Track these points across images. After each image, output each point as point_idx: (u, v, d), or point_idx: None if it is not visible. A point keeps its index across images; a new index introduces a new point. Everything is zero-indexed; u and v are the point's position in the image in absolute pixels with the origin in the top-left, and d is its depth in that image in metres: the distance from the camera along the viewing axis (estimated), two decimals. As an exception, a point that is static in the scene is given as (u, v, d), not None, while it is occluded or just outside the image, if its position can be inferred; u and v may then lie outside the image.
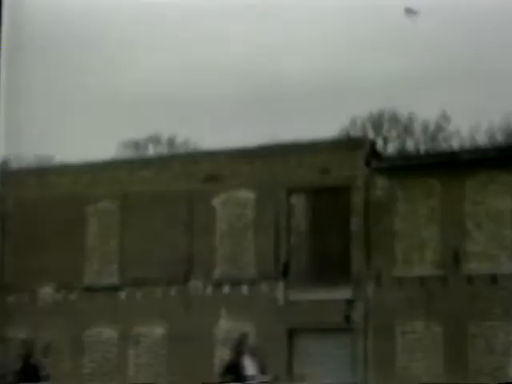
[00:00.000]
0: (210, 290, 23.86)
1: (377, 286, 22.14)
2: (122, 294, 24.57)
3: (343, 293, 22.31)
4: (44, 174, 26.20)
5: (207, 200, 24.23)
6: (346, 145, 24.02)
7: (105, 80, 52.72)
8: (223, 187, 24.18)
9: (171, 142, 43.38)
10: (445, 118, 40.12)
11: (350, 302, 22.29)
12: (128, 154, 40.58)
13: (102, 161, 26.15)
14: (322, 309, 22.27)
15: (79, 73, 49.48)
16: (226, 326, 23.50)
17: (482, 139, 39.01)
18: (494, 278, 20.96)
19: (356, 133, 38.88)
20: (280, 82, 49.32)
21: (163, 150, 42.16)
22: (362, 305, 22.24)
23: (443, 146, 39.37)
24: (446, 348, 21.15)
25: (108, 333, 24.47)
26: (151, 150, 42.88)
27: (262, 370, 11.40)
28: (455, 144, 39.15)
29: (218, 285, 23.75)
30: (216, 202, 24.26)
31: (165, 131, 42.86)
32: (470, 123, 39.51)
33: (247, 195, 23.99)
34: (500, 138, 38.61)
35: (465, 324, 20.95)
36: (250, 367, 10.94)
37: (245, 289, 23.55)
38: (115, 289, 24.61)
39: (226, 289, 23.71)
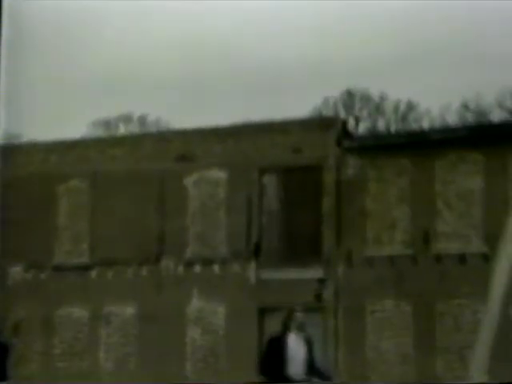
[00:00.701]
0: (181, 269, 23.82)
1: (347, 266, 22.22)
2: (93, 274, 24.47)
3: (314, 272, 22.37)
4: (13, 152, 25.93)
5: (179, 179, 24.13)
6: (318, 124, 23.98)
7: (76, 58, 52.22)
8: (195, 167, 24.08)
9: (142, 120, 43.12)
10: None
11: (320, 282, 22.37)
12: (99, 133, 40.28)
13: (72, 139, 25.94)
14: (293, 288, 22.31)
15: (51, 51, 48.99)
16: (197, 305, 23.50)
17: (452, 119, 39.23)
18: (462, 258, 21.11)
19: (328, 112, 38.88)
20: (253, 62, 49.14)
21: (134, 129, 41.92)
22: (333, 284, 22.32)
23: (414, 125, 39.53)
24: (415, 326, 21.31)
25: (79, 312, 24.36)
26: (122, 129, 42.59)
27: (310, 350, 10.69)
28: (426, 124, 39.34)
29: (190, 264, 23.72)
30: (188, 181, 24.16)
31: (136, 110, 42.62)
32: (440, 103, 39.70)
33: (219, 175, 23.92)
34: (470, 118, 38.83)
35: (433, 303, 21.10)
36: (294, 348, 10.37)
37: (216, 268, 23.53)
38: (86, 268, 24.49)
39: (198, 268, 23.68)
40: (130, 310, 23.98)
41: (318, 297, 22.32)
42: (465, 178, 21.34)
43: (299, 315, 10.47)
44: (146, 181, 24.33)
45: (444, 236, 21.41)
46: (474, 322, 19.03)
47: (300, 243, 22.93)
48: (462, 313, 20.69)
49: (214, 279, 23.41)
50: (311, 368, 10.33)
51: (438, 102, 40.73)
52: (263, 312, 22.85)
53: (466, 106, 38.97)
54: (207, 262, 23.56)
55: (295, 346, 10.29)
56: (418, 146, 21.81)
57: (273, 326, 22.80)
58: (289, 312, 10.60)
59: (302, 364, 10.22)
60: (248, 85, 47.31)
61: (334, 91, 40.34)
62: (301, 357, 10.27)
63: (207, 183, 24.01)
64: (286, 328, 10.29)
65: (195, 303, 23.52)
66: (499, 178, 20.51)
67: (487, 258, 17.79)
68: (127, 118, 43.12)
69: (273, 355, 10.09)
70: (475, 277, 19.04)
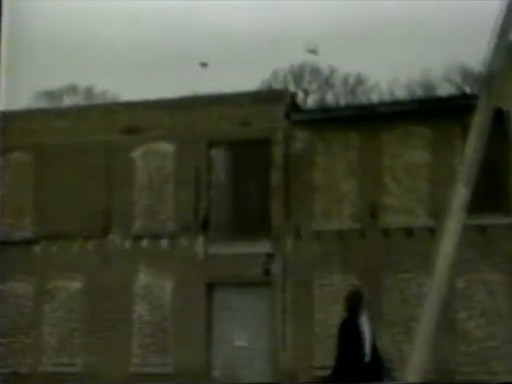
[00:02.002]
0: (128, 243, 23.61)
1: (296, 240, 22.20)
2: (37, 248, 24.08)
3: (263, 246, 22.33)
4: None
5: (126, 152, 23.86)
6: (267, 97, 23.87)
7: (21, 27, 51.13)
8: (142, 139, 23.82)
9: (88, 92, 42.44)
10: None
11: (269, 256, 22.35)
12: (42, 104, 39.51)
13: (14, 111, 25.36)
14: (241, 262, 22.27)
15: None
16: (144, 280, 23.33)
17: (401, 93, 39.42)
18: (409, 231, 21.22)
19: (277, 85, 38.79)
20: (203, 33, 48.71)
21: (80, 100, 41.24)
22: (281, 258, 22.30)
23: (363, 99, 39.65)
24: (363, 300, 21.39)
25: (22, 287, 24.00)
26: (67, 101, 41.88)
27: (373, 330, 10.22)
28: (374, 98, 39.47)
29: (137, 239, 23.52)
30: (135, 154, 23.91)
31: (82, 81, 41.93)
32: (389, 77, 39.87)
33: (167, 148, 23.69)
34: (419, 92, 39.08)
35: (380, 276, 21.22)
36: (365, 329, 9.98)
37: (164, 243, 23.37)
38: (29, 243, 24.09)
39: (145, 243, 23.49)
40: (75, 285, 23.70)
41: (267, 271, 22.30)
42: (412, 152, 21.40)
43: (365, 296, 10.07)
44: (93, 153, 23.98)
45: (391, 210, 21.48)
46: (419, 295, 19.12)
47: (248, 217, 22.85)
48: (409, 286, 20.83)
49: (161, 254, 23.26)
50: (374, 347, 10.03)
51: (386, 75, 40.90)
52: (211, 286, 22.76)
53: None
54: (155, 237, 23.38)
55: (365, 328, 9.95)
56: (366, 120, 21.78)
57: (221, 300, 22.92)
58: (356, 294, 10.11)
59: (369, 345, 9.92)
60: (197, 58, 46.88)
61: (283, 64, 40.28)
62: (369, 337, 9.95)
63: (155, 156, 23.77)
64: (356, 310, 9.84)
65: (142, 278, 23.35)
66: (446, 151, 20.59)
67: (433, 232, 17.85)
68: (72, 90, 42.42)
69: (351, 339, 9.66)
70: (421, 250, 19.13)
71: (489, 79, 9.70)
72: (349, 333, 9.59)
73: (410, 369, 9.84)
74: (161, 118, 23.63)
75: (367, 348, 9.74)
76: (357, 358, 9.57)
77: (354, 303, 9.75)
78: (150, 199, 23.64)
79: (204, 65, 30.31)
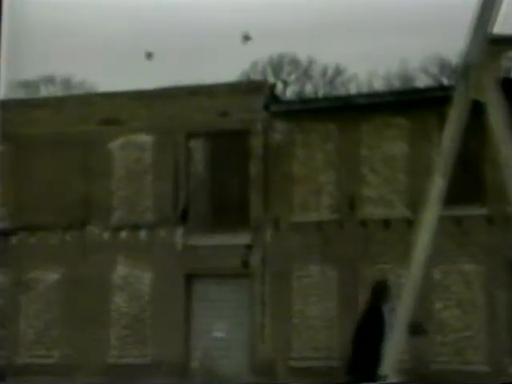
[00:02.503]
0: (107, 235, 23.55)
1: (275, 231, 22.23)
2: (14, 239, 23.95)
3: (242, 238, 22.34)
4: None
5: (104, 143, 23.79)
6: (246, 88, 23.87)
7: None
8: (121, 130, 23.75)
9: (66, 83, 42.11)
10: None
11: (248, 247, 22.36)
12: (19, 94, 39.18)
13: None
14: (220, 254, 22.28)
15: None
16: (123, 271, 23.29)
17: (379, 84, 39.52)
18: (387, 223, 21.29)
19: (256, 76, 38.75)
20: (180, 23, 48.55)
21: (57, 91, 40.94)
22: (260, 250, 22.33)
23: (341, 90, 39.68)
24: (341, 291, 21.48)
25: (-1, 279, 23.87)
26: (44, 91, 41.53)
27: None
28: (353, 89, 39.51)
29: (116, 230, 23.47)
30: (113, 145, 23.84)
31: (59, 72, 41.58)
32: (367, 69, 39.93)
33: (145, 139, 23.64)
34: (396, 84, 39.19)
35: (358, 267, 21.28)
36: (388, 317, 9.74)
37: (143, 234, 23.34)
38: (6, 233, 23.95)
39: (124, 234, 23.43)
40: (53, 276, 23.62)
41: (245, 262, 22.32)
42: (390, 143, 21.45)
43: (390, 285, 9.93)
44: (70, 144, 23.87)
45: (369, 201, 21.53)
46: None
47: (227, 208, 22.85)
48: (386, 277, 20.89)
49: (140, 245, 23.23)
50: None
51: (364, 67, 41.01)
52: (190, 278, 22.76)
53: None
54: (133, 228, 23.32)
55: (389, 318, 9.79)
56: (345, 111, 21.81)
57: (200, 291, 22.92)
58: (382, 283, 9.97)
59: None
60: (176, 48, 46.73)
61: (263, 55, 40.21)
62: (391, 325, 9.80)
63: (133, 147, 23.71)
64: (380, 300, 9.69)
65: (121, 269, 23.32)
66: (423, 143, 20.65)
67: (411, 223, 17.92)
68: (49, 80, 42.09)
69: (372, 327, 9.49)
70: (399, 242, 19.18)
71: (466, 71, 9.72)
72: (371, 321, 9.44)
73: (387, 359, 9.90)
74: (139, 109, 23.56)
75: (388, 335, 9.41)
76: (376, 346, 9.41)
77: (378, 292, 9.63)
78: (129, 190, 23.58)
79: (149, 55, 30.13)
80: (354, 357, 9.81)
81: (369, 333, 9.61)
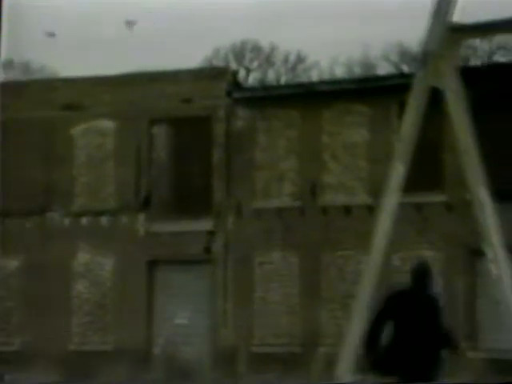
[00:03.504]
0: (68, 221, 23.39)
1: (237, 218, 22.25)
2: (-27, 226, 23.68)
3: (204, 224, 22.34)
4: None
5: (66, 129, 23.59)
6: (209, 75, 23.81)
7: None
8: (83, 116, 23.58)
9: (25, 67, 41.50)
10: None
11: (210, 234, 22.36)
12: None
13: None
14: (182, 240, 22.27)
15: None
16: (84, 258, 23.17)
17: (340, 72, 39.64)
18: (348, 209, 21.41)
19: (219, 63, 38.64)
20: (143, 10, 48.20)
21: (16, 75, 40.33)
22: (222, 236, 22.34)
23: (303, 77, 39.72)
24: (302, 277, 21.59)
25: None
26: (1, 76, 40.77)
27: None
28: (314, 76, 39.58)
29: (77, 216, 23.32)
30: (75, 131, 23.67)
31: (17, 56, 40.95)
32: (328, 56, 39.99)
33: (107, 125, 23.52)
34: (358, 71, 39.34)
35: (319, 254, 21.40)
36: (429, 305, 8.86)
37: (105, 220, 23.22)
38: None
39: (86, 220, 23.29)
40: (13, 263, 23.40)
41: (207, 249, 22.33)
42: (351, 130, 21.56)
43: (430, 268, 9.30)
44: (31, 130, 23.62)
45: (330, 188, 21.63)
46: (357, 272, 19.33)
47: (190, 195, 22.82)
48: (347, 263, 21.05)
49: (102, 231, 23.13)
50: (436, 323, 9.24)
51: (326, 54, 41.09)
52: (153, 264, 22.72)
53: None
54: (95, 214, 23.20)
55: (428, 302, 9.09)
56: (307, 98, 21.86)
57: (162, 278, 22.87)
58: (422, 266, 9.38)
59: (428, 319, 8.79)
60: (139, 35, 46.40)
61: (225, 42, 40.10)
62: (431, 312, 8.92)
63: (95, 133, 23.57)
64: (418, 283, 8.99)
65: (82, 256, 23.20)
66: (384, 130, 20.77)
67: (372, 210, 18.03)
68: (7, 64, 41.44)
69: (405, 310, 8.76)
70: (360, 228, 19.30)
71: (425, 58, 9.81)
72: (406, 304, 8.64)
73: (347, 344, 9.99)
74: (101, 95, 23.39)
75: (424, 322, 8.73)
76: (411, 331, 8.60)
77: (417, 275, 9.07)
78: (91, 177, 23.45)
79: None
80: (389, 351, 8.76)
81: (399, 319, 8.71)
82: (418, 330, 8.70)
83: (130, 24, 30.37)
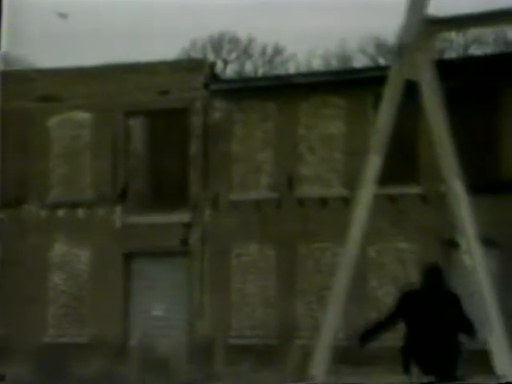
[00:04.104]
0: (44, 213, 23.29)
1: (214, 210, 22.25)
2: None
3: (181, 216, 22.33)
4: None
5: (42, 120, 23.47)
6: (186, 66, 23.72)
7: None
8: (59, 107, 23.45)
9: (3, 58, 41.10)
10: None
11: (187, 226, 22.35)
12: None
13: None
14: (159, 232, 22.24)
15: None
16: (60, 249, 23.09)
17: (317, 64, 39.68)
18: (324, 201, 21.47)
19: (196, 54, 38.55)
20: (120, 1, 47.98)
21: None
22: (199, 228, 22.34)
23: (280, 69, 39.72)
24: (278, 269, 21.64)
25: None
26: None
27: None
28: (292, 68, 39.61)
29: (54, 208, 23.24)
30: (51, 122, 23.57)
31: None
32: (305, 48, 40.01)
33: (84, 116, 23.43)
34: (334, 63, 39.40)
35: (296, 246, 21.45)
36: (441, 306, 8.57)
37: (81, 212, 23.14)
38: None
39: (62, 212, 23.21)
40: (-12, 255, 23.27)
41: (184, 241, 22.33)
42: (327, 123, 21.61)
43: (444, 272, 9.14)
44: (7, 121, 23.42)
45: (307, 180, 21.69)
46: (333, 264, 19.42)
47: (167, 187, 22.80)
48: (323, 255, 21.12)
49: (78, 223, 23.07)
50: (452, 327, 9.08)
51: (303, 46, 41.12)
52: (129, 256, 22.69)
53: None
54: (71, 206, 23.12)
55: (439, 303, 8.93)
56: (284, 90, 21.89)
57: (139, 270, 22.83)
58: (432, 266, 9.17)
59: (440, 322, 8.88)
60: (116, 26, 46.22)
61: (203, 33, 40.01)
62: (443, 314, 8.50)
63: (71, 125, 23.49)
64: (428, 283, 8.78)
65: (58, 248, 23.13)
66: (360, 122, 20.83)
67: (348, 202, 18.11)
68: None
69: (412, 310, 8.57)
70: (336, 220, 19.35)
71: (401, 51, 9.88)
72: (417, 304, 8.46)
73: (322, 336, 10.08)
74: (78, 87, 23.28)
75: (437, 321, 8.60)
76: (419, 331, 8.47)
77: (428, 276, 8.87)
78: (67, 168, 23.38)
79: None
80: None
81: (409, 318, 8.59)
82: (432, 329, 8.58)
83: (62, 16, 30.08)
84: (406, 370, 8.68)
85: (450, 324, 8.60)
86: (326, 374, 9.29)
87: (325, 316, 10.09)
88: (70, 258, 23.12)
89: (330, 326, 10.36)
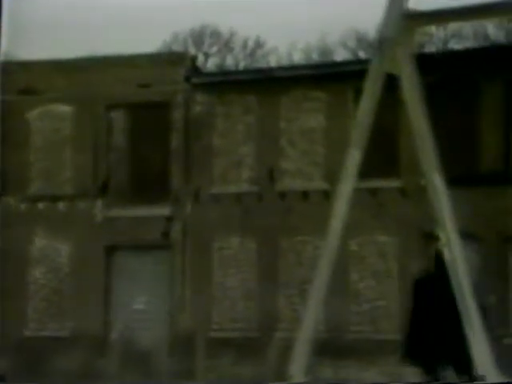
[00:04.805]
0: (24, 206, 23.18)
1: (195, 203, 22.26)
2: None
3: (162, 210, 22.32)
4: None
5: (21, 113, 23.33)
6: (167, 60, 23.70)
7: None
8: (39, 100, 23.35)
9: (-18, 51, 40.90)
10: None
11: (168, 219, 22.34)
12: None
13: None
14: (140, 226, 22.22)
15: None
16: (41, 243, 23.01)
17: (298, 57, 39.67)
18: (305, 195, 21.54)
19: (177, 48, 38.44)
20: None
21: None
22: (181, 221, 22.34)
23: (261, 63, 39.71)
24: (260, 262, 21.69)
25: None
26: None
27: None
28: (273, 61, 39.60)
29: (34, 201, 23.13)
30: (31, 115, 23.45)
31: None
32: (287, 42, 39.97)
33: (64, 109, 23.35)
34: (315, 57, 39.41)
35: (277, 239, 21.51)
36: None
37: (62, 206, 23.06)
38: None
39: (42, 205, 23.12)
40: (-33, 249, 23.14)
41: (166, 234, 22.32)
42: (308, 116, 21.67)
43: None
44: (-14, 114, 23.33)
45: (288, 173, 21.75)
46: (314, 257, 19.48)
47: (148, 181, 22.76)
48: (304, 248, 21.19)
49: (59, 217, 22.99)
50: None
51: (284, 40, 41.08)
52: (110, 249, 22.66)
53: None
54: (52, 200, 23.04)
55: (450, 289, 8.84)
56: (265, 83, 21.92)
57: (120, 264, 22.80)
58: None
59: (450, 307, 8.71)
60: (97, 18, 45.95)
61: (184, 27, 39.88)
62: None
63: (52, 118, 23.39)
64: (438, 269, 8.65)
65: (39, 241, 23.03)
66: (340, 116, 20.90)
67: (328, 195, 18.18)
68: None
69: (424, 297, 8.48)
70: (317, 213, 19.41)
71: (381, 45, 9.89)
72: (431, 289, 8.63)
73: (303, 329, 10.08)
74: (58, 79, 23.21)
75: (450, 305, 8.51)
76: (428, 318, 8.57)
77: (438, 262, 8.77)
78: (47, 162, 23.29)
79: None
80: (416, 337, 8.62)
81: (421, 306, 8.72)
82: (446, 315, 8.56)
83: None
84: (411, 356, 8.48)
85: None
86: (305, 368, 9.30)
87: (305, 309, 10.10)
88: (50, 252, 23.05)
89: (311, 319, 10.37)
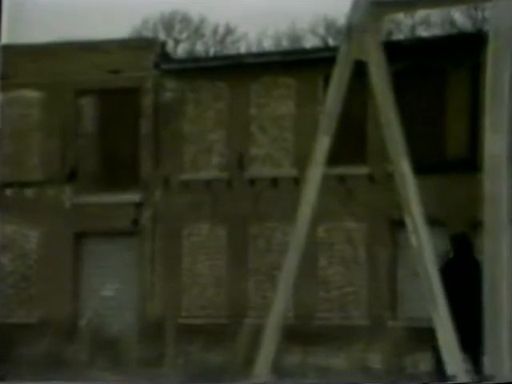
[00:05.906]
0: (-9, 193, 23.03)
1: (165, 190, 22.24)
2: None
3: (132, 196, 22.28)
4: None
5: (-13, 99, 23.12)
6: (137, 45, 23.62)
7: None
8: (6, 85, 23.05)
9: None
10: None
11: (138, 206, 22.30)
12: None
13: None
14: (110, 212, 22.17)
15: None
16: (9, 230, 22.85)
17: (268, 44, 39.68)
18: (274, 181, 21.60)
19: (147, 34, 38.30)
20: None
21: None
22: (150, 208, 22.30)
23: (231, 49, 39.70)
24: (229, 249, 21.74)
25: None
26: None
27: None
28: (243, 48, 39.59)
29: (1, 188, 22.94)
30: (-1, 100, 23.23)
31: None
32: (257, 28, 39.97)
33: (32, 95, 23.16)
34: (285, 44, 39.44)
35: (247, 226, 21.56)
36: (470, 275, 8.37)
37: (30, 192, 22.91)
38: None
39: (10, 192, 22.96)
40: None
41: (135, 221, 22.28)
42: (278, 103, 21.72)
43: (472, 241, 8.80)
44: (-47, 100, 23.09)
45: (258, 160, 21.80)
46: (283, 243, 19.55)
47: (118, 167, 22.70)
48: (273, 235, 21.27)
49: (26, 203, 22.86)
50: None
51: (254, 26, 41.08)
52: (79, 236, 22.57)
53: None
54: (20, 186, 22.89)
55: (469, 272, 8.67)
56: (235, 70, 21.92)
57: (89, 251, 22.73)
58: (461, 236, 8.84)
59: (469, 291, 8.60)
60: (67, 4, 45.55)
61: (154, 12, 39.70)
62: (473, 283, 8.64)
63: (20, 104, 23.19)
64: (458, 252, 8.50)
65: (7, 228, 22.85)
66: (310, 102, 20.97)
67: (297, 182, 18.25)
68: None
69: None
70: (286, 200, 19.48)
71: (349, 31, 9.90)
72: (453, 272, 8.43)
73: (272, 315, 10.12)
74: (26, 64, 22.99)
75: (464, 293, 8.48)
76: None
77: (457, 244, 8.62)
78: (15, 148, 23.09)
79: None
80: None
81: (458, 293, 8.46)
82: (469, 297, 8.43)
83: None
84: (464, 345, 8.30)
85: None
86: (274, 356, 9.32)
87: (275, 295, 10.15)
88: (18, 238, 22.92)
89: (280, 305, 10.41)
